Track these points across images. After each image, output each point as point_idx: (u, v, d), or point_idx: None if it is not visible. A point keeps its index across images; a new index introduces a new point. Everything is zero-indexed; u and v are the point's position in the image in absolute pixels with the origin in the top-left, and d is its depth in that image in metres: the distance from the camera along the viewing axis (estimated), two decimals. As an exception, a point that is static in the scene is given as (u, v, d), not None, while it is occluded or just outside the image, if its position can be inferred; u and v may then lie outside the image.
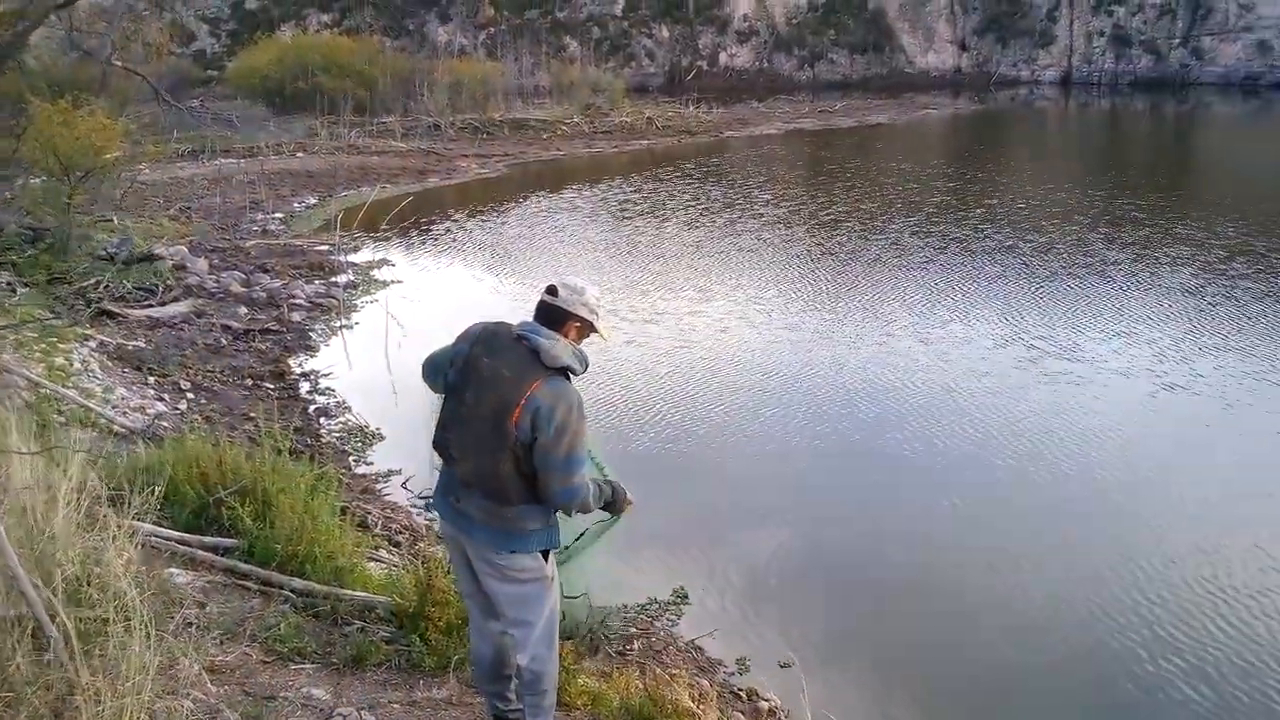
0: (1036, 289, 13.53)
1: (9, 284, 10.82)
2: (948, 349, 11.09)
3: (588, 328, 3.54)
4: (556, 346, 3.37)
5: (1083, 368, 10.33)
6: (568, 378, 3.41)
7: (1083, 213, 18.81)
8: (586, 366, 3.49)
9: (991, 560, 6.82)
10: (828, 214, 19.42)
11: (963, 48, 53.63)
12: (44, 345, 9.25)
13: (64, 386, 8.19)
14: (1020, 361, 10.56)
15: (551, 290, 3.50)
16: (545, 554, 3.56)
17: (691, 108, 39.56)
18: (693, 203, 20.96)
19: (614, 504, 3.76)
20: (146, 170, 19.05)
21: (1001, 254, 15.59)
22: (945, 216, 18.75)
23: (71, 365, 9.08)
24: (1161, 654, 5.75)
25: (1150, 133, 36.80)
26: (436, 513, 3.77)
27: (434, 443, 3.59)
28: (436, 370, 3.60)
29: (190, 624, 4.04)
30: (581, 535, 4.21)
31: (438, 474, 3.73)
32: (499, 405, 3.33)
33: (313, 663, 4.30)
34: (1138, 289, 13.39)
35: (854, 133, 34.17)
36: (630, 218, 19.61)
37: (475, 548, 3.51)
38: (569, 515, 3.60)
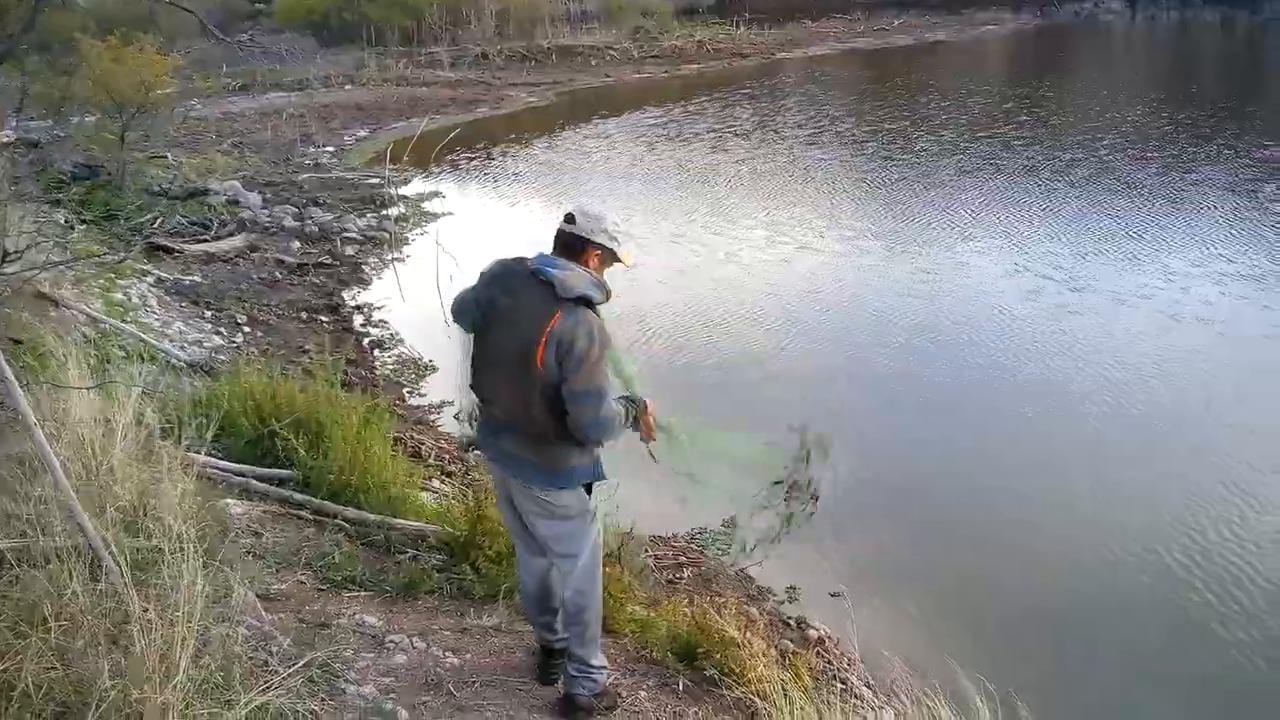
0: (1053, 209, 13.48)
1: (66, 221, 10.98)
2: (964, 273, 11.20)
3: (609, 256, 3.41)
4: (571, 276, 3.23)
5: (1089, 297, 10.13)
6: (589, 306, 3.28)
7: (1116, 130, 18.49)
8: (608, 295, 3.35)
9: (1041, 494, 6.72)
10: (853, 134, 19.59)
11: (1025, -40, 51.64)
12: (103, 281, 9.39)
13: (123, 321, 8.34)
14: (1028, 293, 10.37)
15: (569, 218, 3.36)
16: (589, 488, 3.54)
17: (743, 29, 38.70)
18: (722, 127, 20.91)
19: (636, 417, 3.55)
20: (199, 106, 19.15)
21: (1024, 175, 15.51)
22: (976, 135, 18.62)
23: (130, 300, 9.23)
24: (1209, 586, 5.67)
25: (1214, 49, 35.28)
26: (482, 453, 3.72)
27: (470, 385, 3.54)
28: (463, 312, 3.50)
29: (246, 553, 4.13)
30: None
31: (476, 414, 3.67)
32: (523, 345, 3.23)
33: (365, 590, 4.37)
34: (1159, 211, 13.15)
35: (913, 51, 33.25)
36: (654, 144, 19.57)
37: (519, 486, 3.50)
38: (601, 447, 3.45)
